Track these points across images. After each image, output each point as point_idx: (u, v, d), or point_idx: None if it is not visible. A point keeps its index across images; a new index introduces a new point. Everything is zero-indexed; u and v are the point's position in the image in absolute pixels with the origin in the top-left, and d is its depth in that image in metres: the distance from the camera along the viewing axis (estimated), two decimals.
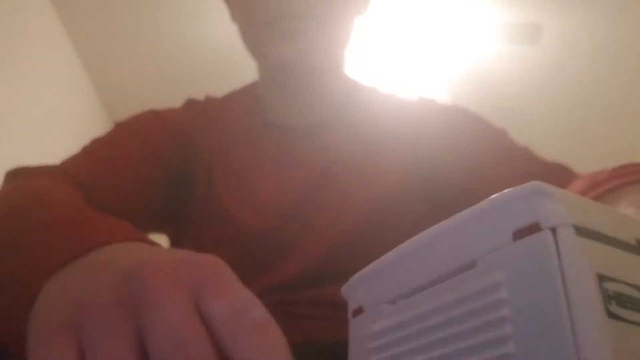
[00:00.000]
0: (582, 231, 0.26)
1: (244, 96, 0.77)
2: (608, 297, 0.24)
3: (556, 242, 0.26)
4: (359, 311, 0.37)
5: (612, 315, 0.24)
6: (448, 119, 0.72)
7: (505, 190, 0.28)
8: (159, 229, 0.72)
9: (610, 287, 0.25)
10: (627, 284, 0.26)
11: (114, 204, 0.62)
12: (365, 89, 0.77)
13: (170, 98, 2.84)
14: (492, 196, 0.29)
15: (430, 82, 2.49)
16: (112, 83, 2.68)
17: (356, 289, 0.38)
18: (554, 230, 0.26)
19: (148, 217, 0.67)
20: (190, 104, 0.77)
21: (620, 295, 0.25)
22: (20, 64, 2.02)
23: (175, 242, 0.74)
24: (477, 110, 0.69)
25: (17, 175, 0.58)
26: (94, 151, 0.65)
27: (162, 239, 0.73)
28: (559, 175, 0.63)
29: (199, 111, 0.74)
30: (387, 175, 0.68)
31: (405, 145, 0.70)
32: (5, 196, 0.49)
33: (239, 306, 0.28)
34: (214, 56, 2.40)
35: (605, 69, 2.53)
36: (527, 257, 0.27)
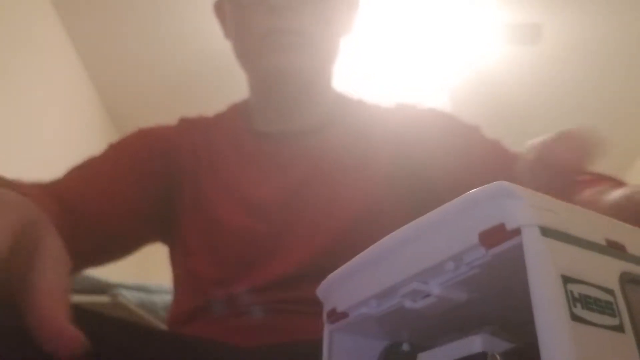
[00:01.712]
0: (547, 232, 0.25)
1: (234, 112, 0.80)
2: (573, 300, 0.24)
3: (521, 244, 0.25)
4: (333, 312, 0.37)
5: (576, 318, 0.23)
6: (428, 121, 0.74)
7: (471, 191, 0.28)
8: (152, 240, 0.74)
9: (576, 289, 0.24)
10: (594, 285, 0.25)
11: (101, 222, 0.65)
12: (351, 101, 0.80)
13: (170, 98, 2.84)
14: (459, 197, 0.28)
15: (431, 83, 2.48)
16: (113, 84, 2.67)
17: (330, 291, 0.38)
18: (519, 231, 0.25)
19: (137, 233, 0.70)
20: (182, 122, 0.80)
21: (586, 298, 0.24)
22: (22, 66, 2.02)
23: (170, 249, 0.75)
24: (478, 110, 0.70)
25: None
26: (84, 172, 0.68)
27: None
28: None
29: (189, 129, 0.77)
30: (373, 178, 0.70)
31: (390, 149, 0.72)
32: None
33: None
34: (214, 57, 2.39)
35: (606, 69, 2.52)
36: (493, 258, 0.27)
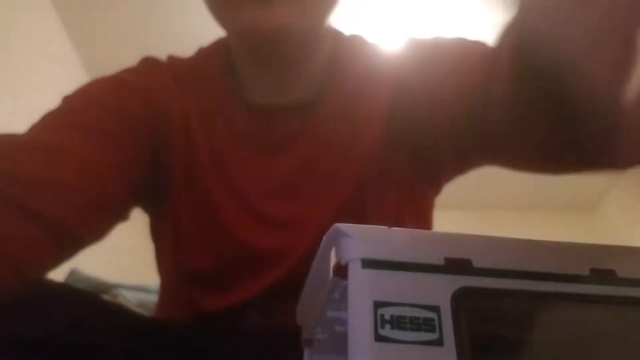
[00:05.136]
0: (368, 263, 0.29)
1: (215, 64, 0.65)
2: (382, 322, 0.27)
3: (348, 276, 0.29)
4: (306, 339, 0.43)
5: (380, 338, 0.27)
6: (426, 63, 0.60)
7: (329, 230, 0.32)
8: (138, 204, 0.65)
9: (388, 311, 0.28)
10: (415, 305, 0.28)
11: (84, 178, 0.52)
12: (348, 49, 0.65)
13: None
14: (325, 237, 0.33)
15: None
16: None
17: (300, 318, 0.43)
18: (347, 267, 0.30)
19: (124, 192, 0.58)
20: (152, 64, 0.65)
21: (400, 318, 0.28)
22: (19, 61, 2.00)
23: (154, 221, 0.69)
24: None
25: None
26: (57, 122, 0.55)
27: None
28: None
29: (165, 74, 0.64)
30: (370, 146, 0.61)
31: (387, 106, 0.62)
32: None
33: None
34: None
35: None
36: (340, 290, 0.31)
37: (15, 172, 0.48)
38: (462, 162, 0.61)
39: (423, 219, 0.69)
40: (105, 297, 1.00)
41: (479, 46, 0.54)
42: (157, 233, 0.68)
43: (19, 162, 0.49)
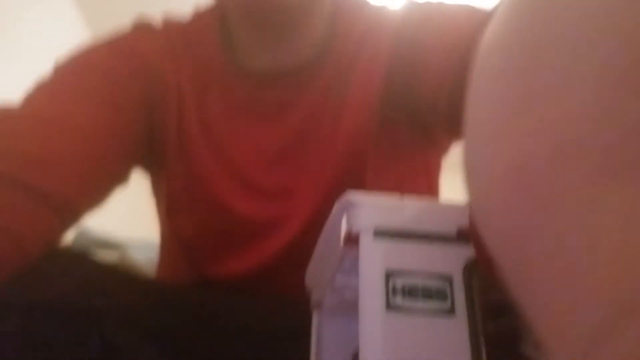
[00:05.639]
0: (381, 233, 0.29)
1: (210, 29, 0.64)
2: (393, 291, 0.27)
3: (359, 245, 0.29)
4: (316, 301, 0.43)
5: (391, 307, 0.27)
6: (425, 24, 0.57)
7: (340, 198, 0.32)
8: (136, 166, 0.64)
9: (400, 281, 0.28)
10: (428, 275, 0.28)
11: (81, 146, 0.51)
12: (348, 9, 0.63)
13: None
14: (336, 205, 0.33)
15: None
16: None
17: (310, 281, 0.44)
18: (358, 236, 0.29)
19: (124, 158, 0.58)
20: (146, 29, 0.64)
21: (412, 287, 0.28)
22: (21, 22, 1.97)
23: (153, 182, 0.68)
24: None
25: None
26: (52, 92, 0.54)
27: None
28: None
29: (159, 40, 0.63)
30: (367, 107, 0.58)
31: (385, 65, 0.59)
32: None
33: None
34: None
35: None
36: (350, 258, 0.31)
37: (14, 148, 0.47)
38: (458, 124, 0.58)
39: (426, 181, 0.67)
40: (114, 254, 1.00)
41: (481, 14, 0.51)
42: (155, 193, 0.68)
43: (17, 137, 0.48)
